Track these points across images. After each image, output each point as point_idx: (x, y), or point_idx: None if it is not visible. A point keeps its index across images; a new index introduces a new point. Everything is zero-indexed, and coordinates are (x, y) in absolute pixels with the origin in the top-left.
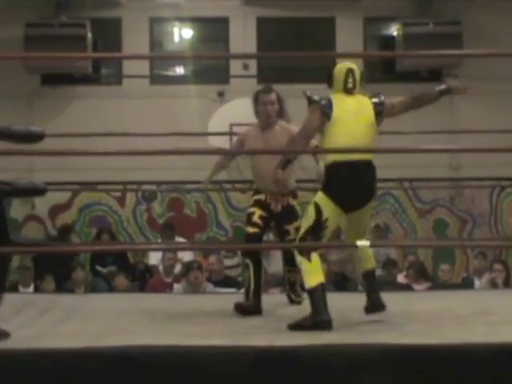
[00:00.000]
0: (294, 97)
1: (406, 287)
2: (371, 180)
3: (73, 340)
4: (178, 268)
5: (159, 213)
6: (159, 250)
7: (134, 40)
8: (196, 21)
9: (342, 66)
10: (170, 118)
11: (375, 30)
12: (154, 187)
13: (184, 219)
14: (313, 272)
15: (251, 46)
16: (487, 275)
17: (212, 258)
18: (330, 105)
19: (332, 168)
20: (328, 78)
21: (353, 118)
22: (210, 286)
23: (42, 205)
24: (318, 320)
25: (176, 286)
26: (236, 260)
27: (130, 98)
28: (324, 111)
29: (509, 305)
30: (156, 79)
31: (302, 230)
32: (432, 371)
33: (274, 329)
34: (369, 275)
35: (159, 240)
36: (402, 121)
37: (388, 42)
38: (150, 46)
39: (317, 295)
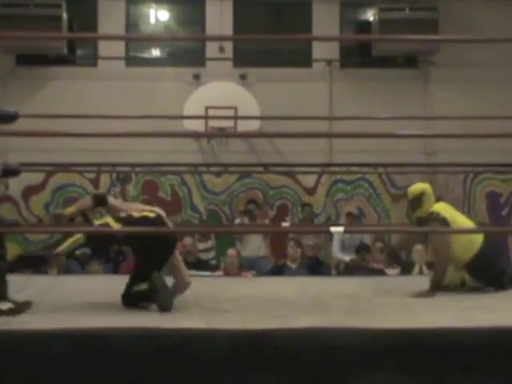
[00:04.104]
0: (270, 81)
1: (379, 272)
2: None
3: (44, 321)
4: None
5: (133, 195)
6: (132, 232)
7: (110, 21)
8: (172, 3)
9: None
10: (145, 100)
11: (351, 14)
12: (128, 169)
13: (158, 202)
14: None
15: (227, 29)
16: None
17: (187, 240)
18: None
19: None
20: None
21: None
22: None
23: (15, 186)
24: None
25: None
26: (210, 243)
27: (105, 79)
28: None
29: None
30: (132, 61)
31: None
32: (404, 353)
33: (246, 312)
34: None
35: None
36: (377, 106)
37: (364, 26)
38: (126, 27)
39: None
